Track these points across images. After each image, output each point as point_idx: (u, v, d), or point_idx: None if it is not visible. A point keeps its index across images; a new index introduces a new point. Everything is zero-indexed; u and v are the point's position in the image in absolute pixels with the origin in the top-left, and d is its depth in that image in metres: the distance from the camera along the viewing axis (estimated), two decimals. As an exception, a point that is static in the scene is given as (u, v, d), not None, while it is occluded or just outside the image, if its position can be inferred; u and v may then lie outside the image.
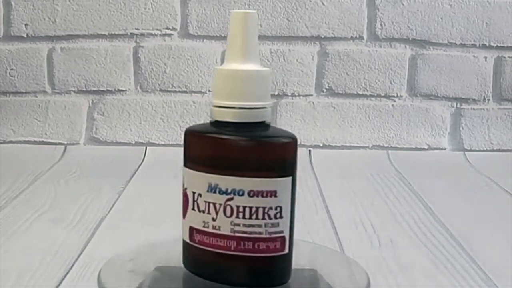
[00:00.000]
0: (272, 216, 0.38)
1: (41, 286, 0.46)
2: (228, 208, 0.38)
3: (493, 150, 0.92)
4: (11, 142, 0.90)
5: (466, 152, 0.91)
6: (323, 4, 0.89)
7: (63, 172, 0.78)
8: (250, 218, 0.38)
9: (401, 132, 0.92)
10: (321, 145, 0.91)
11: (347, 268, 0.44)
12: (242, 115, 0.38)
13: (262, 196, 0.38)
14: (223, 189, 0.38)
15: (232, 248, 0.38)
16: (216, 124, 0.39)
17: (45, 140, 0.90)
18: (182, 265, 0.41)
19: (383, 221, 0.62)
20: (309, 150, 0.90)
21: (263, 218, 0.38)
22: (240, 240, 0.38)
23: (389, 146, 0.91)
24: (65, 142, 0.90)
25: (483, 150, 0.92)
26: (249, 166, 0.38)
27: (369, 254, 0.53)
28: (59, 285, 0.46)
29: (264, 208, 0.38)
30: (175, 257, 0.42)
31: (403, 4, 0.89)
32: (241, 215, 0.38)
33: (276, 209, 0.38)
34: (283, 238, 0.38)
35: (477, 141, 0.92)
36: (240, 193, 0.38)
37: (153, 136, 0.90)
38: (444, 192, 0.74)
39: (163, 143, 0.90)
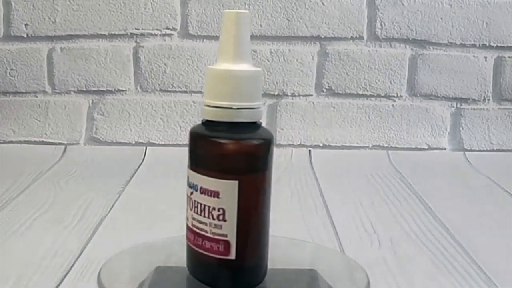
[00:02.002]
0: (215, 216, 0.38)
1: (41, 286, 0.46)
2: (191, 201, 0.39)
3: (493, 150, 0.92)
4: (11, 142, 0.90)
5: (466, 152, 0.91)
6: (323, 4, 0.89)
7: (63, 172, 0.78)
8: (200, 214, 0.38)
9: (401, 132, 0.92)
10: (321, 145, 0.91)
11: (347, 268, 0.44)
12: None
13: (207, 195, 0.38)
14: (189, 182, 0.39)
15: (192, 240, 0.39)
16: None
17: (45, 140, 0.90)
18: (182, 265, 0.41)
19: (383, 221, 0.62)
20: (309, 150, 0.90)
21: (208, 217, 0.38)
22: (195, 234, 0.39)
23: (389, 146, 0.91)
24: (65, 142, 0.90)
25: (483, 150, 0.92)
26: (204, 164, 0.38)
27: (369, 254, 0.53)
28: (59, 285, 0.46)
29: (209, 207, 0.38)
30: (175, 257, 0.42)
31: (403, 4, 0.89)
32: (196, 209, 0.39)
33: (218, 210, 0.38)
34: (227, 242, 0.38)
35: (477, 141, 0.92)
36: (196, 189, 0.39)
37: (153, 136, 0.90)
38: (444, 192, 0.74)
39: (163, 143, 0.90)
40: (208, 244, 0.38)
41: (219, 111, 0.38)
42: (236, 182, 0.37)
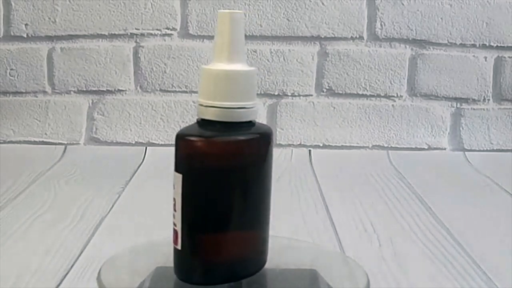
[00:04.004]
0: (172, 206, 0.39)
1: (41, 286, 0.46)
2: None
3: (493, 150, 0.92)
4: (11, 142, 0.90)
5: (466, 152, 0.91)
6: (323, 4, 0.89)
7: (63, 172, 0.78)
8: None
9: (401, 132, 0.92)
10: (321, 145, 0.91)
11: (347, 268, 0.44)
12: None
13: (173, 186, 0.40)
14: None
15: None
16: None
17: (45, 140, 0.90)
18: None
19: (383, 221, 0.62)
20: (309, 150, 0.90)
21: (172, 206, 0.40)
22: None
23: (389, 146, 0.91)
24: (65, 142, 0.90)
25: (483, 150, 0.92)
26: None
27: (369, 254, 0.53)
28: (59, 285, 0.46)
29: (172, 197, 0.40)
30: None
31: (403, 4, 0.89)
32: None
33: (173, 200, 0.39)
34: (176, 232, 0.39)
35: (477, 141, 0.92)
36: None
37: (153, 136, 0.90)
38: (444, 192, 0.74)
39: (163, 143, 0.90)
40: (171, 232, 0.40)
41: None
42: (181, 175, 0.38)
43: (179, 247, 0.39)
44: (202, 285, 0.40)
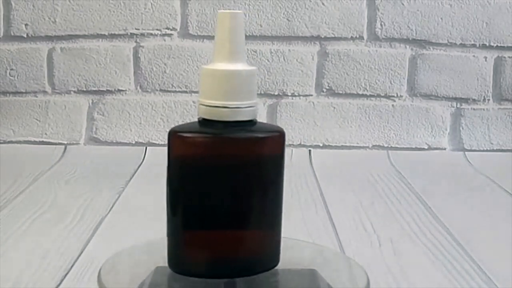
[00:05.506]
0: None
1: (41, 286, 0.46)
2: None
3: (493, 150, 0.92)
4: (11, 142, 0.90)
5: (466, 152, 0.91)
6: (323, 4, 0.89)
7: (63, 172, 0.78)
8: None
9: (401, 132, 0.92)
10: (321, 145, 0.91)
11: (347, 268, 0.44)
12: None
13: None
14: None
15: None
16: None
17: (45, 140, 0.90)
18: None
19: (383, 221, 0.62)
20: (309, 150, 0.90)
21: None
22: None
23: (389, 146, 0.91)
24: (65, 142, 0.90)
25: (483, 150, 0.92)
26: None
27: (369, 254, 0.53)
28: (59, 285, 0.46)
29: None
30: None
31: (403, 4, 0.89)
32: None
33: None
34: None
35: (477, 141, 0.92)
36: None
37: (153, 136, 0.90)
38: (444, 192, 0.74)
39: (163, 143, 0.90)
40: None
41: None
42: (169, 170, 0.42)
43: (167, 238, 0.41)
44: (187, 276, 0.40)
